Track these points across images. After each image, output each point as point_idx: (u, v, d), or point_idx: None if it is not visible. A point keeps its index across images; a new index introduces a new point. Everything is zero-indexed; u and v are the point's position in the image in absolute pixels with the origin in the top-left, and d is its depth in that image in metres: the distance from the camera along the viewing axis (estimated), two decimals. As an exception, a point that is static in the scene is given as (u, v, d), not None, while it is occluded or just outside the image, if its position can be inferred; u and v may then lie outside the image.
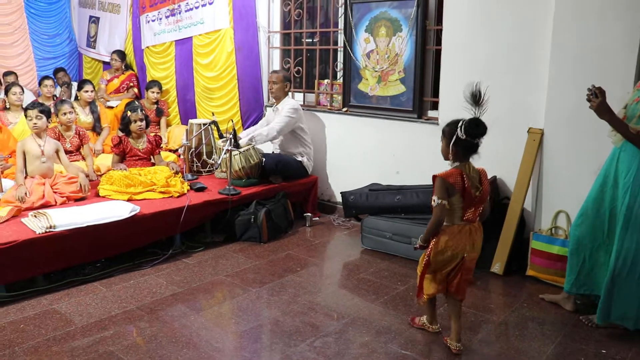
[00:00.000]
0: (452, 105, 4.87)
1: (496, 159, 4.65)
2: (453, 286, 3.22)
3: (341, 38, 5.86)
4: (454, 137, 3.02)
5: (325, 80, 6.16)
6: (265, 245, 5.04)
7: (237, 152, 5.37)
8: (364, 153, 5.73)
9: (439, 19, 5.08)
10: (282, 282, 4.24)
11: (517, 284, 4.31)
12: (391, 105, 5.46)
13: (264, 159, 5.57)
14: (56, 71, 9.00)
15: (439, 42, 5.11)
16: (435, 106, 5.25)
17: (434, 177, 3.09)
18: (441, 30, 5.01)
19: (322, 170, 6.13)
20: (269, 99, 6.39)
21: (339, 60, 5.99)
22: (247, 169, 5.45)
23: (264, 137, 5.66)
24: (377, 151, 5.61)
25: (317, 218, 5.86)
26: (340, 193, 5.36)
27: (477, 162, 3.17)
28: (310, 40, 6.35)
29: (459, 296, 3.24)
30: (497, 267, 4.45)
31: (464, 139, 3.00)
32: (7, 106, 6.78)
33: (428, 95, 5.31)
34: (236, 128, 5.54)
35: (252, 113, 6.67)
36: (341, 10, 5.81)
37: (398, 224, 4.80)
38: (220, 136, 5.70)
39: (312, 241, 5.23)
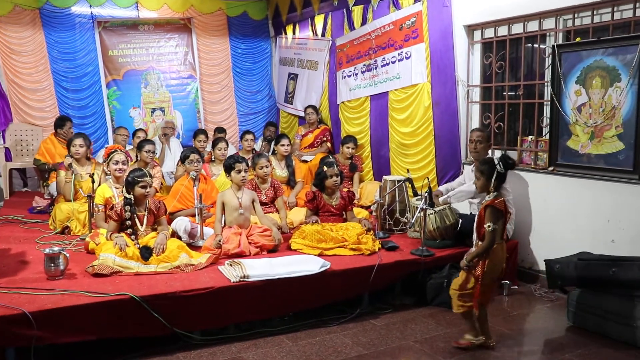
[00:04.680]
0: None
1: None
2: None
3: (548, 91, 5.48)
4: (495, 172, 3.87)
5: (530, 137, 5.77)
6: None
7: (432, 211, 5.21)
8: (573, 217, 5.21)
9: (667, 67, 4.52)
10: (475, 354, 3.99)
11: None
12: (606, 165, 4.94)
13: (460, 220, 5.36)
14: (267, 124, 9.59)
15: (666, 93, 4.53)
16: (659, 166, 4.64)
17: (486, 206, 3.86)
18: (670, 79, 4.44)
19: (524, 235, 5.67)
20: (466, 156, 6.13)
21: (545, 115, 5.59)
22: (441, 230, 5.27)
23: (466, 193, 5.51)
24: (588, 216, 5.07)
25: (516, 287, 5.43)
26: (544, 261, 4.89)
27: None
28: (513, 93, 6.02)
29: (487, 303, 4.05)
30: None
31: (503, 172, 3.89)
32: (212, 159, 7.23)
33: (652, 154, 4.70)
34: (431, 186, 5.37)
35: (448, 170, 6.47)
36: (548, 61, 5.44)
37: (614, 300, 4.24)
38: (415, 194, 5.59)
39: (509, 312, 4.86)
